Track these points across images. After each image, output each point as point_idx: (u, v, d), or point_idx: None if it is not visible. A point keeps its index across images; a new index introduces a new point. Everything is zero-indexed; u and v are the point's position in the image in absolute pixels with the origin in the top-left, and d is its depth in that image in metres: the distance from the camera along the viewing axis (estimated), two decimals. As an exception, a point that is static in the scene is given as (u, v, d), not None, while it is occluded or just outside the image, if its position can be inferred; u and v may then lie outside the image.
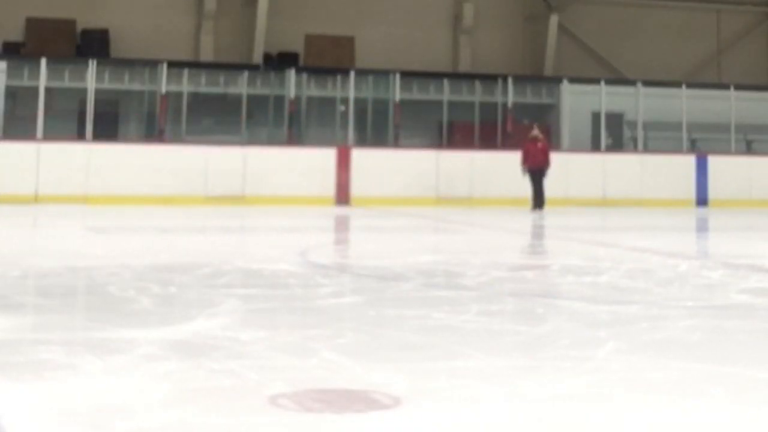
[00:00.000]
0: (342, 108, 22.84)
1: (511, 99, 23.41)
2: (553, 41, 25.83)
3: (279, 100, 22.45)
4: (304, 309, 6.74)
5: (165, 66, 21.43)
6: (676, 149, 23.70)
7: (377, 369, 4.77)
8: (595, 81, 23.86)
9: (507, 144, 22.63)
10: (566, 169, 21.11)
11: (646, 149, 23.88)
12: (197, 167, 19.87)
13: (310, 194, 20.07)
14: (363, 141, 22.42)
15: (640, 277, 8.78)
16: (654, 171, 22.54)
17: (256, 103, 22.67)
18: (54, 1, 23.08)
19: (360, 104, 22.84)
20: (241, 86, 22.47)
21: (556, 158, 19.89)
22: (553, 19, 25.76)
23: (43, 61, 20.57)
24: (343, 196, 20.25)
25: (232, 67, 23.05)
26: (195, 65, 22.95)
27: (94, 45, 22.91)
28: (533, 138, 19.59)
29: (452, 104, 23.63)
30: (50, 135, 20.12)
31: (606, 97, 23.45)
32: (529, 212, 19.00)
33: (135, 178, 19.44)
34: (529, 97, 24.22)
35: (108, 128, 21.51)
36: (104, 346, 5.22)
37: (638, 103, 23.75)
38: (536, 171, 19.35)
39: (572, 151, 22.81)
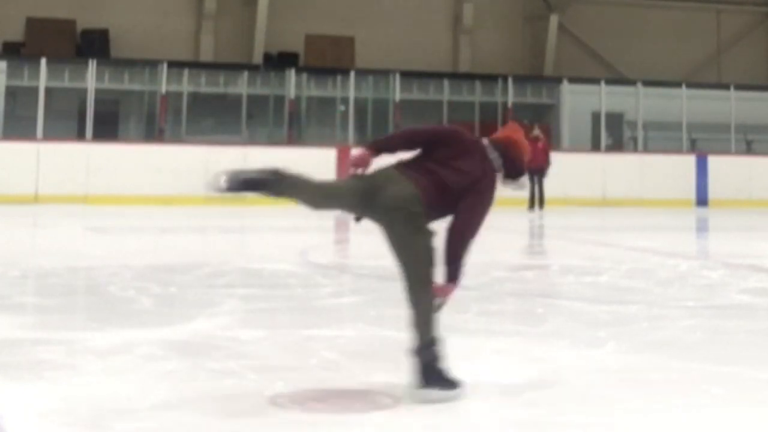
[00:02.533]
0: (342, 108, 22.83)
1: (511, 99, 23.40)
2: (553, 41, 25.82)
3: (279, 100, 22.43)
4: (304, 309, 6.73)
5: (165, 66, 21.41)
6: (676, 149, 23.69)
7: (377, 369, 4.77)
8: (595, 81, 23.85)
9: (507, 144, 22.60)
10: (566, 169, 21.09)
11: (646, 149, 23.87)
12: (197, 167, 19.85)
13: (310, 194, 20.04)
14: (363, 141, 22.41)
15: (640, 277, 8.78)
16: (654, 171, 22.53)
17: (256, 103, 22.65)
18: (54, 1, 23.06)
19: (360, 104, 22.82)
20: (241, 86, 22.45)
21: (556, 158, 19.88)
22: (553, 19, 25.74)
23: (43, 61, 20.56)
24: (343, 196, 20.26)
25: (232, 67, 23.03)
26: (195, 65, 22.93)
27: (94, 45, 22.89)
28: (534, 138, 19.62)
29: (452, 104, 23.62)
30: (50, 135, 20.10)
31: (606, 97, 23.44)
32: (526, 212, 19.00)
33: (135, 178, 19.43)
34: (529, 97, 24.21)
35: (108, 128, 21.49)
36: (104, 346, 5.22)
37: (638, 103, 23.74)
38: (536, 171, 19.39)
39: (572, 151, 22.79)
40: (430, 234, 4.23)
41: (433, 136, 4.42)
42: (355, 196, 4.25)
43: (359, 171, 4.33)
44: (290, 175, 4.19)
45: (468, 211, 4.30)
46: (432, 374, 4.17)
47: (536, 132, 19.76)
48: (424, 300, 4.27)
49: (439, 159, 4.32)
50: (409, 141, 4.42)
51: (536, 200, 19.39)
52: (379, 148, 4.33)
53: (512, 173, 4.50)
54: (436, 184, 4.24)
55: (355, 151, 4.42)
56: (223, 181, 4.17)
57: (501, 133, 4.58)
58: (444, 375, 4.19)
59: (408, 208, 4.16)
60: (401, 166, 4.32)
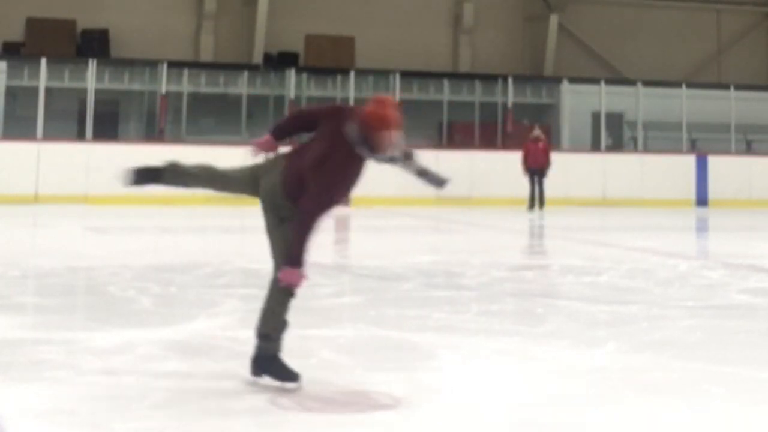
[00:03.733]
0: (342, 108, 22.81)
1: (511, 99, 23.38)
2: (553, 41, 25.80)
3: (279, 100, 22.42)
4: (304, 309, 6.72)
5: (165, 66, 21.40)
6: (676, 149, 23.68)
7: (377, 369, 4.77)
8: (595, 81, 23.83)
9: (507, 144, 22.63)
10: (566, 169, 21.07)
11: (646, 149, 23.85)
12: (197, 167, 19.84)
13: (310, 194, 20.03)
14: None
15: (640, 277, 8.77)
16: (654, 171, 22.51)
17: (256, 103, 22.63)
18: (54, 1, 23.04)
19: (360, 104, 22.75)
20: (241, 86, 22.44)
21: (556, 158, 19.89)
22: (553, 19, 25.73)
23: (43, 61, 20.55)
24: (342, 196, 20.23)
25: (232, 67, 23.01)
26: (195, 65, 22.91)
27: (94, 45, 22.88)
28: (535, 138, 19.63)
29: (452, 104, 23.60)
30: (50, 135, 20.09)
31: (606, 97, 23.42)
32: (526, 212, 19.00)
33: (135, 178, 19.41)
34: (529, 97, 24.19)
35: (108, 128, 21.47)
36: (104, 346, 5.22)
37: (638, 103, 23.72)
38: (537, 171, 19.42)
39: (572, 151, 22.78)
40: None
41: (314, 115, 4.45)
42: (241, 183, 4.40)
43: (264, 155, 4.43)
44: (186, 164, 4.39)
45: (305, 198, 4.20)
46: (264, 364, 4.40)
47: (536, 132, 19.75)
48: (272, 291, 4.36)
49: (309, 142, 4.36)
50: (300, 121, 4.53)
51: (536, 200, 19.40)
52: (277, 132, 4.44)
53: (372, 148, 4.31)
54: (294, 172, 4.26)
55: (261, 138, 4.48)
56: (128, 176, 4.35)
57: (367, 106, 4.38)
58: (277, 367, 4.36)
59: (273, 200, 4.27)
60: (292, 152, 4.37)
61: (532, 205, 19.30)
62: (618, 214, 19.37)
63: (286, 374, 4.33)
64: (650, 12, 27.00)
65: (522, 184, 19.55)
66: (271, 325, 4.41)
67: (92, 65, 20.93)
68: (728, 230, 16.50)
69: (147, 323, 5.98)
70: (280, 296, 4.33)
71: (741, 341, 5.77)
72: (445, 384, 4.51)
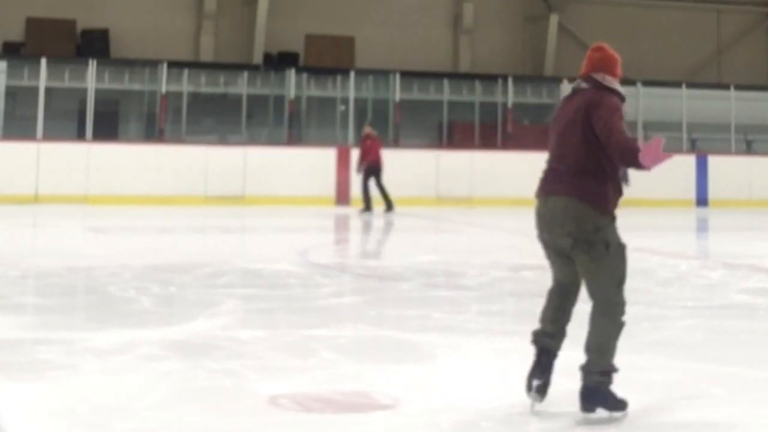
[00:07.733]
0: (342, 108, 22.81)
1: (511, 99, 23.37)
2: (553, 41, 25.80)
3: (279, 100, 22.41)
4: (304, 309, 6.73)
5: (165, 66, 21.39)
6: (676, 149, 23.67)
7: (377, 369, 4.77)
8: (595, 81, 23.80)
9: (507, 144, 22.64)
10: (566, 169, 21.00)
11: (646, 149, 23.83)
12: (197, 167, 19.85)
13: (310, 194, 20.04)
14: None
15: (640, 277, 8.77)
16: (654, 171, 22.41)
17: (256, 103, 22.63)
18: (54, 1, 23.04)
19: (360, 104, 22.79)
20: (241, 86, 22.42)
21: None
22: (553, 19, 25.73)
23: (43, 61, 20.54)
24: (343, 196, 20.22)
25: (232, 67, 23.01)
26: (195, 65, 22.89)
27: (94, 45, 22.87)
28: (365, 136, 18.07)
29: (452, 104, 23.58)
30: (50, 135, 20.08)
31: (606, 97, 23.39)
32: (358, 214, 17.30)
33: (135, 178, 19.41)
34: (529, 97, 24.19)
35: (108, 128, 21.47)
36: (104, 346, 5.22)
37: (638, 103, 23.73)
38: (368, 170, 17.54)
39: (572, 151, 22.77)
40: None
41: None
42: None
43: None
44: None
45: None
46: (601, 397, 4.07)
47: (366, 130, 18.20)
48: (603, 325, 4.27)
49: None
50: None
51: (385, 202, 17.42)
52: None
53: None
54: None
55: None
56: None
57: None
58: (612, 398, 4.08)
59: (561, 228, 4.62)
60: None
61: (367, 207, 17.28)
62: (618, 214, 19.34)
63: (619, 404, 4.08)
64: (650, 12, 27.00)
65: (523, 183, 19.45)
66: (609, 359, 4.14)
67: (92, 65, 20.93)
68: (728, 230, 16.50)
69: (147, 323, 5.98)
70: (615, 330, 4.23)
71: (741, 341, 5.77)
72: (445, 384, 4.51)
